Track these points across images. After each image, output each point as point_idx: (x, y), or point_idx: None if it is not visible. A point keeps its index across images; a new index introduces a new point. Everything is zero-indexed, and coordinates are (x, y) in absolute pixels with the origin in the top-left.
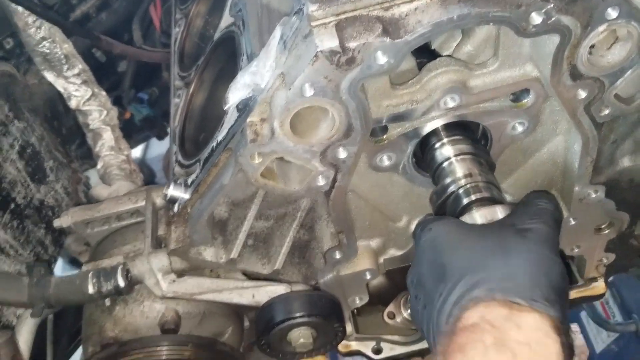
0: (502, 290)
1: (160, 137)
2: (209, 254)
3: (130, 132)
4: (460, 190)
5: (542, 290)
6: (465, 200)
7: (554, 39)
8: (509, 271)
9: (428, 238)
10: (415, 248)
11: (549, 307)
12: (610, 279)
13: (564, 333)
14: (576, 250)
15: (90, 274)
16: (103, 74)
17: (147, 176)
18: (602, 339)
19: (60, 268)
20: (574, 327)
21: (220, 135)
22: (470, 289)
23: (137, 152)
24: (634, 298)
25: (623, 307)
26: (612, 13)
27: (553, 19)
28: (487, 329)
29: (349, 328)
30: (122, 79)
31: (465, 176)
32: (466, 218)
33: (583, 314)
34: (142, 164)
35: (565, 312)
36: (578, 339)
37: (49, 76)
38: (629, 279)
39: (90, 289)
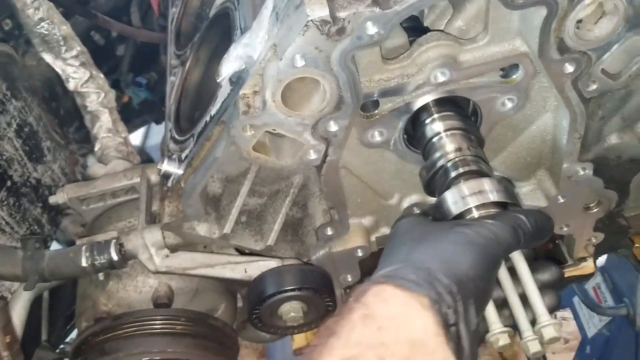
0: (385, 275)
1: (159, 122)
2: (202, 229)
3: (129, 116)
4: (449, 164)
5: (427, 274)
6: (453, 174)
7: (542, 12)
8: (404, 258)
9: (389, 234)
10: None
11: (424, 287)
12: (602, 264)
13: (440, 313)
14: (565, 229)
15: (84, 247)
16: (101, 57)
17: (145, 163)
18: (594, 324)
19: None
20: (567, 313)
21: (214, 109)
22: (372, 278)
23: (136, 140)
24: (625, 282)
25: (615, 292)
26: None
27: None
28: (356, 306)
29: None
30: (120, 62)
31: (455, 150)
32: (453, 191)
33: (575, 300)
34: (141, 152)
35: (462, 300)
36: (571, 325)
37: (47, 57)
38: (620, 263)
39: (84, 262)
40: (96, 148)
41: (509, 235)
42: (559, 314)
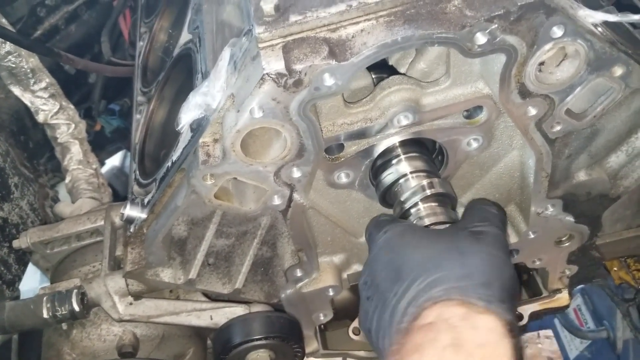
0: (459, 290)
1: None
2: (166, 275)
3: (102, 143)
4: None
5: (496, 292)
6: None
7: (501, 58)
8: (465, 271)
9: (383, 239)
10: (369, 248)
11: (503, 309)
12: (583, 285)
13: (514, 336)
14: (537, 262)
15: (45, 298)
16: (73, 86)
17: (125, 185)
18: (575, 346)
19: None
20: (548, 332)
21: (175, 155)
22: (426, 288)
23: (115, 160)
24: (605, 305)
25: (595, 314)
26: (558, 32)
27: (498, 39)
28: (444, 328)
29: (315, 344)
30: (93, 90)
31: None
32: None
33: (557, 321)
34: (120, 173)
35: (514, 314)
36: (554, 344)
37: (16, 90)
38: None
39: (45, 313)
40: (67, 180)
41: (505, 234)
42: (542, 332)
